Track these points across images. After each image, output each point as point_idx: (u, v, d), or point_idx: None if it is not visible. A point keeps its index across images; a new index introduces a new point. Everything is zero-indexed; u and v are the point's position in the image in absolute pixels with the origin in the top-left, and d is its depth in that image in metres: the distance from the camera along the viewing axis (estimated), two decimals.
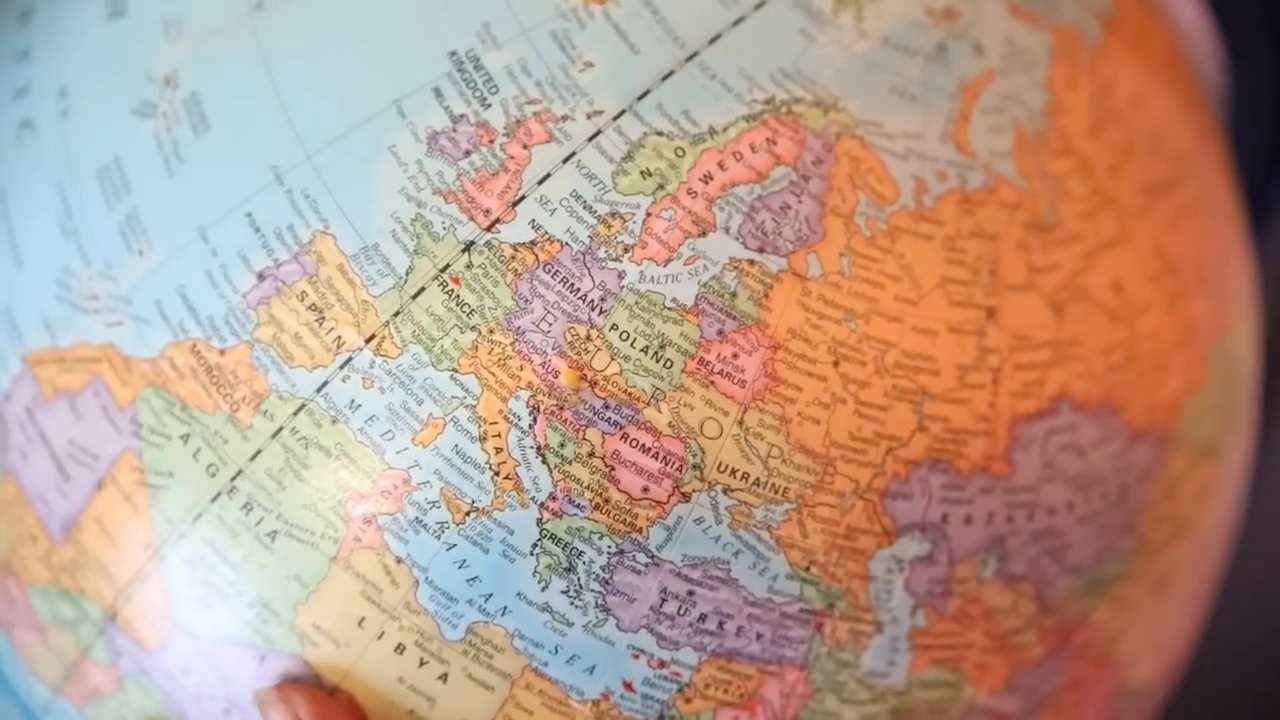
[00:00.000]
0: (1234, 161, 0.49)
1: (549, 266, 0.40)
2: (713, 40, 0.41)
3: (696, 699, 0.41)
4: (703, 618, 0.41)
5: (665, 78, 0.41)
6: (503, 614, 0.41)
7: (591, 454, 0.40)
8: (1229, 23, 0.54)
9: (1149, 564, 0.45)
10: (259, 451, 0.41)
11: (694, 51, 0.41)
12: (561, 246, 0.40)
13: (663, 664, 0.41)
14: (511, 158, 0.41)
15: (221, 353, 0.41)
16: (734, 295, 0.40)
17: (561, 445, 0.40)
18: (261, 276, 0.41)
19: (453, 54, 0.41)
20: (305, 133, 0.41)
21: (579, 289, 0.40)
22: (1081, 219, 0.43)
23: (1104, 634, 0.45)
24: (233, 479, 0.41)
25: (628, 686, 0.41)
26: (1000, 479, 0.42)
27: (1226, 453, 0.47)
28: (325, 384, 0.41)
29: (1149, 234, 0.45)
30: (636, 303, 0.40)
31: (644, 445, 0.40)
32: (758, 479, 0.41)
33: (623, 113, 0.41)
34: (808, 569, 0.41)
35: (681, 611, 0.41)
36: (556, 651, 0.41)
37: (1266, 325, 0.50)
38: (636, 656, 0.41)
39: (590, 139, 0.41)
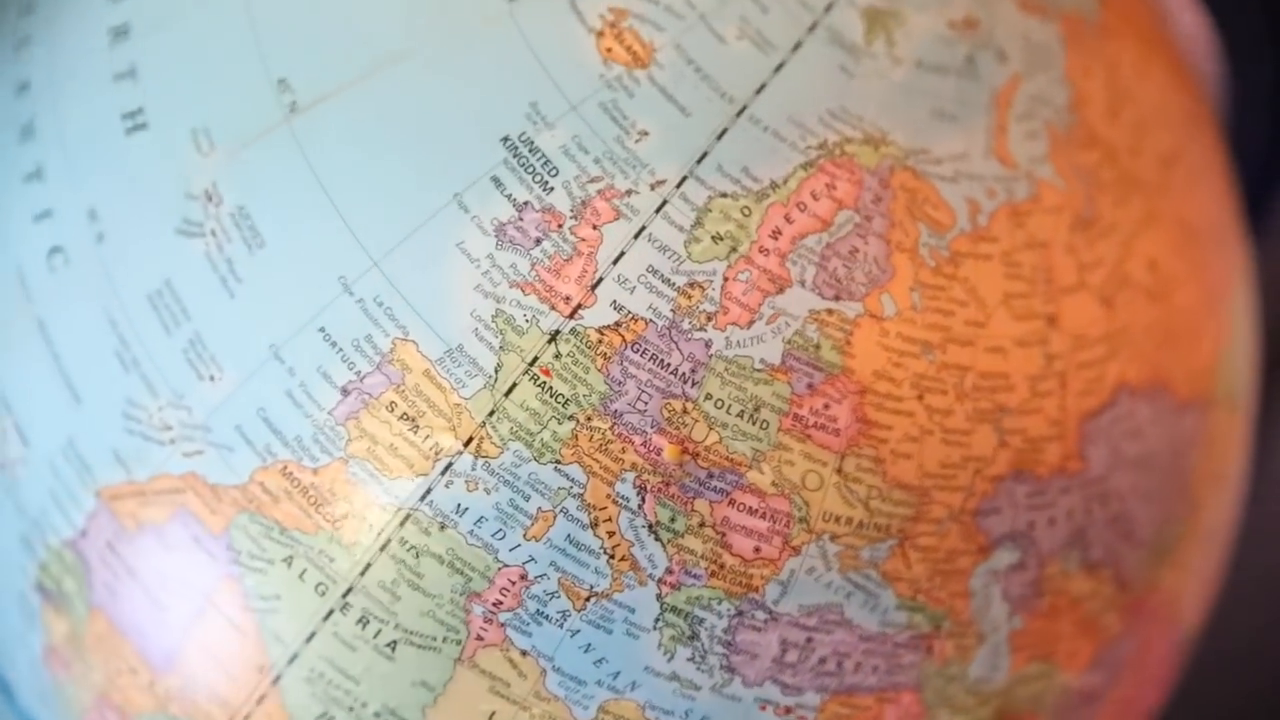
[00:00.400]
0: (1233, 162, 0.50)
1: (636, 345, 0.40)
2: (759, 91, 0.41)
3: None
4: (822, 660, 0.42)
5: (720, 136, 0.41)
6: (632, 689, 0.41)
7: (702, 524, 0.41)
8: (1228, 23, 0.55)
9: (1199, 521, 0.47)
10: (368, 565, 0.41)
11: (743, 105, 0.41)
12: (646, 324, 0.40)
13: (789, 710, 0.42)
14: (583, 240, 0.40)
15: (315, 472, 0.41)
16: (818, 347, 0.41)
17: (672, 520, 0.41)
18: (346, 391, 0.41)
19: (505, 139, 0.41)
20: (368, 238, 0.41)
21: (669, 364, 0.40)
22: (1115, 207, 0.44)
23: (1170, 596, 0.47)
24: (344, 595, 0.41)
25: None
26: (1076, 476, 0.43)
27: (1246, 398, 0.49)
28: (429, 491, 0.41)
29: (1172, 207, 0.46)
30: (726, 369, 0.41)
31: (751, 507, 0.41)
32: (861, 521, 0.41)
33: (685, 179, 0.41)
34: (914, 598, 0.42)
35: (802, 658, 0.42)
36: (687, 716, 0.41)
37: (1266, 326, 0.51)
38: (764, 708, 0.42)
39: (657, 210, 0.41)
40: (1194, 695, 0.52)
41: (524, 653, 0.41)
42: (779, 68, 0.42)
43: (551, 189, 0.41)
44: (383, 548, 0.41)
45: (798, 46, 0.42)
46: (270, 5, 0.42)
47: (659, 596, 0.41)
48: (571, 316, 0.40)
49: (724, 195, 0.41)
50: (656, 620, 0.41)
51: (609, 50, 0.41)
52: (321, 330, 0.41)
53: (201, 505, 0.42)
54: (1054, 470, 0.43)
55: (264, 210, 0.41)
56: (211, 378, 0.41)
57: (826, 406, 0.41)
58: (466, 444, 0.40)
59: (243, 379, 0.41)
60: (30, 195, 0.44)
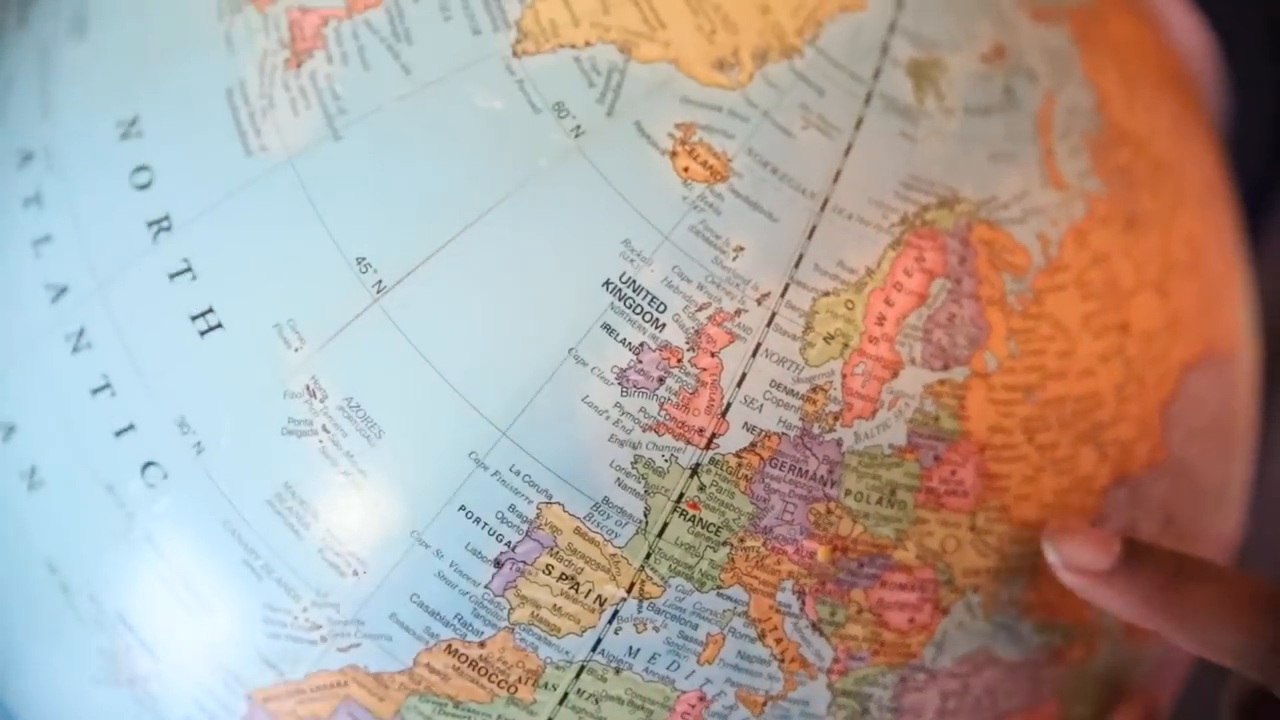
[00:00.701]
0: (1233, 171, 0.51)
1: (774, 461, 0.41)
2: (835, 179, 0.42)
3: None
4: (977, 700, 0.44)
5: (810, 235, 0.41)
6: None
7: (860, 610, 0.42)
8: (1228, 32, 0.55)
9: (1241, 457, 0.50)
10: None
11: (825, 198, 0.41)
12: (779, 438, 0.41)
13: None
14: (704, 369, 0.41)
15: (481, 645, 0.41)
16: (937, 419, 0.42)
17: (833, 614, 0.42)
18: (499, 563, 0.41)
19: (607, 283, 0.40)
20: (489, 409, 0.40)
21: (807, 470, 0.41)
22: (1153, 197, 0.46)
23: (1222, 532, 0.50)
24: None
25: None
26: (1161, 465, 0.46)
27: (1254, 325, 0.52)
28: (599, 641, 0.41)
29: (1193, 174, 0.47)
30: (860, 462, 0.41)
31: (901, 583, 0.42)
32: (996, 568, 0.43)
33: (787, 286, 0.41)
34: (1049, 620, 0.44)
35: (960, 704, 0.44)
36: None
37: (1266, 336, 0.53)
38: None
39: (768, 324, 0.41)
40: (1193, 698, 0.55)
41: None
42: (848, 150, 0.42)
43: (663, 325, 0.40)
44: (561, 701, 0.41)
45: (860, 124, 0.42)
46: (329, 184, 0.41)
47: (829, 685, 0.42)
48: (708, 447, 0.41)
49: (826, 294, 0.41)
50: (829, 706, 0.42)
51: (686, 170, 0.41)
52: (462, 509, 0.40)
53: (367, 695, 0.41)
54: (1145, 465, 0.45)
55: (374, 397, 0.40)
56: (355, 572, 0.41)
57: (953, 473, 0.42)
58: (629, 590, 0.41)
59: (388, 569, 0.41)
60: (104, 409, 0.42)
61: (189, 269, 0.42)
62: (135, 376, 0.42)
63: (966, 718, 0.44)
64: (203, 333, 0.41)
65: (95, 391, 0.42)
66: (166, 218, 0.42)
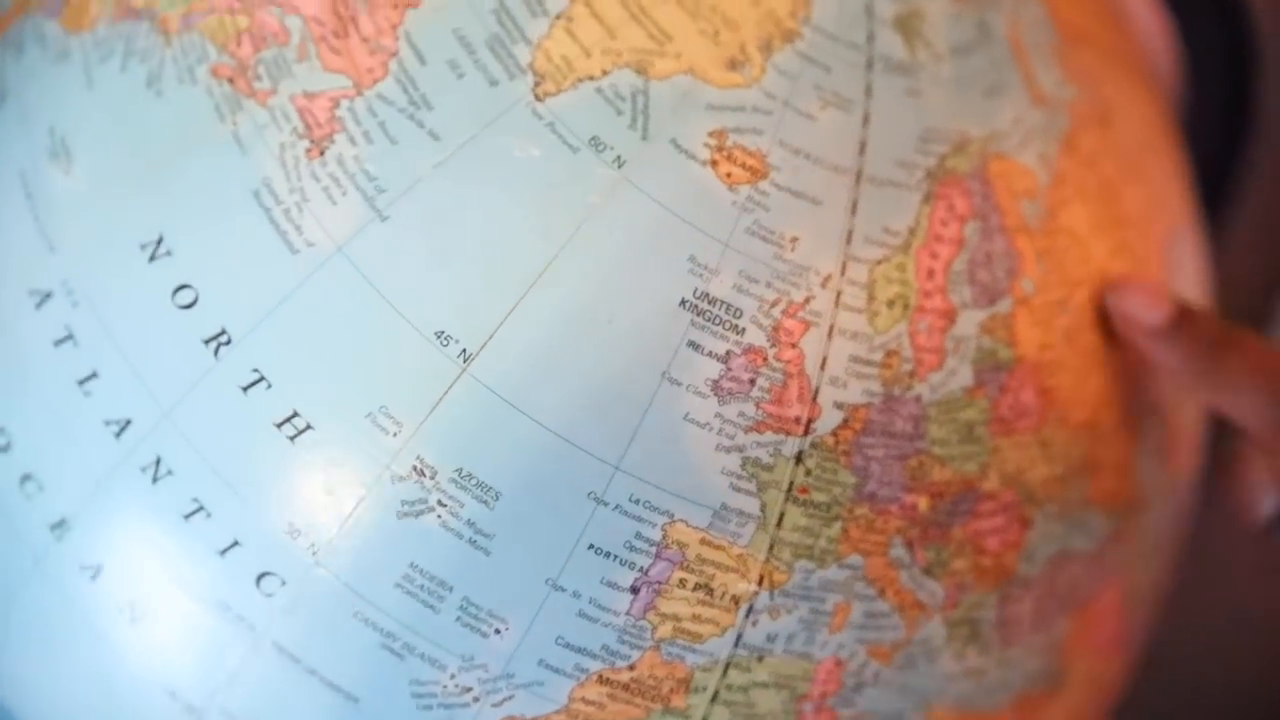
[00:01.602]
0: (1190, 158, 0.53)
1: (866, 430, 0.43)
2: (862, 150, 0.43)
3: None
4: (1063, 596, 0.47)
5: (854, 210, 0.43)
6: (939, 698, 0.45)
7: (961, 546, 0.44)
8: (1184, 20, 0.56)
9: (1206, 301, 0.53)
10: (705, 719, 0.43)
11: (857, 171, 0.43)
12: (867, 408, 0.43)
13: (1049, 646, 0.47)
14: (789, 362, 0.42)
15: (631, 668, 0.42)
16: (994, 352, 0.44)
17: (939, 556, 0.44)
18: (635, 589, 0.42)
19: (683, 302, 0.41)
20: (598, 448, 0.41)
21: (895, 431, 0.43)
22: (1115, 86, 0.48)
23: None
24: None
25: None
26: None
27: None
28: (740, 637, 0.43)
29: (1131, 55, 0.50)
30: (939, 412, 0.43)
31: (990, 511, 0.44)
32: (1064, 474, 0.46)
33: (845, 264, 0.42)
34: (1109, 506, 0.47)
35: (1049, 603, 0.46)
36: (985, 691, 0.46)
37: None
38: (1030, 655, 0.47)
39: (836, 304, 0.42)
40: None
41: (852, 716, 0.44)
42: (866, 120, 0.43)
43: (743, 329, 0.42)
44: (713, 699, 0.43)
45: (869, 91, 0.43)
46: (387, 265, 0.41)
47: (945, 620, 0.44)
48: (806, 433, 0.42)
49: (880, 262, 0.43)
50: (946, 639, 0.45)
51: (729, 175, 0.42)
52: (591, 548, 0.41)
53: None
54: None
55: (484, 462, 0.41)
56: (497, 631, 0.42)
57: (1017, 397, 0.44)
58: (759, 583, 0.42)
59: (529, 620, 0.42)
60: (200, 531, 0.42)
61: (262, 378, 0.41)
62: (229, 493, 0.41)
63: (1056, 613, 0.46)
64: (292, 437, 0.41)
65: (188, 516, 0.42)
66: (223, 332, 0.41)
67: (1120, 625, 0.49)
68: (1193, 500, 0.52)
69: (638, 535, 0.41)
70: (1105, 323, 0.46)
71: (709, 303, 0.41)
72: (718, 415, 0.42)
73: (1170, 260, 0.49)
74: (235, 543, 0.42)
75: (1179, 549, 0.51)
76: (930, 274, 0.43)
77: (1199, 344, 0.45)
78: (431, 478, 0.41)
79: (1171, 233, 0.49)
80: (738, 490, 0.42)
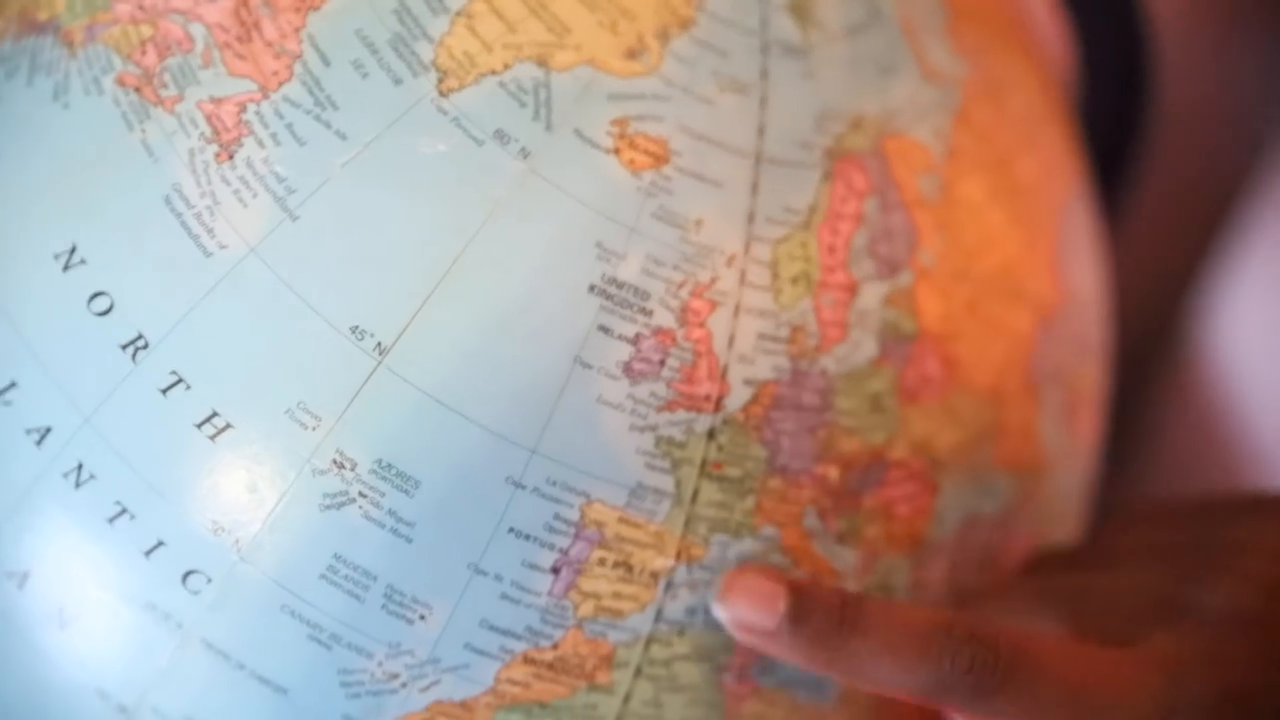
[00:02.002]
0: (1085, 139, 0.54)
1: (775, 405, 0.44)
2: (760, 133, 0.44)
3: None
4: (976, 557, 0.48)
5: (755, 191, 0.44)
6: None
7: (872, 513, 0.45)
8: (1080, 17, 0.57)
9: (1106, 270, 0.54)
10: (629, 695, 0.44)
11: (757, 152, 0.44)
12: (775, 383, 0.44)
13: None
14: (697, 342, 0.43)
15: (555, 647, 0.43)
16: (898, 324, 0.45)
17: (852, 524, 0.45)
18: (556, 569, 0.43)
19: (592, 288, 0.42)
20: (513, 432, 0.42)
21: (804, 404, 0.44)
22: (1004, 59, 0.49)
23: (1107, 343, 0.54)
24: None
25: None
26: (1064, 299, 0.50)
27: None
28: (660, 612, 0.44)
29: (1024, 41, 0.51)
30: (846, 384, 0.45)
31: (899, 478, 0.46)
32: (969, 438, 0.47)
33: (748, 244, 0.44)
34: (1016, 467, 0.48)
35: (962, 564, 0.48)
36: None
37: (1123, 313, 0.57)
38: None
39: (742, 283, 0.43)
40: None
41: (773, 688, 0.45)
42: (763, 103, 0.44)
43: (651, 311, 0.43)
44: (636, 674, 0.44)
45: (765, 75, 0.44)
46: (300, 264, 0.42)
47: (861, 586, 0.46)
48: (717, 410, 0.43)
49: (783, 240, 0.44)
50: None
51: (632, 162, 0.43)
52: (511, 531, 0.42)
53: None
54: (1054, 305, 0.49)
55: (403, 452, 0.42)
56: (422, 617, 0.42)
57: (922, 368, 0.46)
58: (677, 558, 0.43)
59: (453, 604, 0.43)
60: (126, 534, 0.42)
61: (180, 380, 0.42)
62: (152, 495, 0.42)
63: (969, 575, 0.48)
64: (212, 436, 0.42)
65: (112, 520, 0.42)
66: (140, 336, 0.42)
67: None
68: (1097, 462, 0.53)
69: (556, 517, 0.42)
70: (1005, 292, 0.47)
71: (617, 287, 0.42)
72: (630, 396, 0.43)
73: (1065, 229, 0.50)
74: (160, 543, 0.42)
75: (1085, 510, 0.52)
76: (832, 250, 0.44)
77: (820, 632, 0.44)
78: (352, 470, 0.42)
79: (1066, 203, 0.50)
80: (652, 469, 0.43)
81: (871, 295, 0.45)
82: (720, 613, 0.44)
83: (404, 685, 0.43)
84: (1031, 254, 0.48)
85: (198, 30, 0.43)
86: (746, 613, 0.43)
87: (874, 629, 0.44)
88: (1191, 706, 0.44)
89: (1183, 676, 0.45)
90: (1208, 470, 0.75)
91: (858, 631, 0.44)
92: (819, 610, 0.43)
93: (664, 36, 0.43)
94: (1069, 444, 0.50)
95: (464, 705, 0.43)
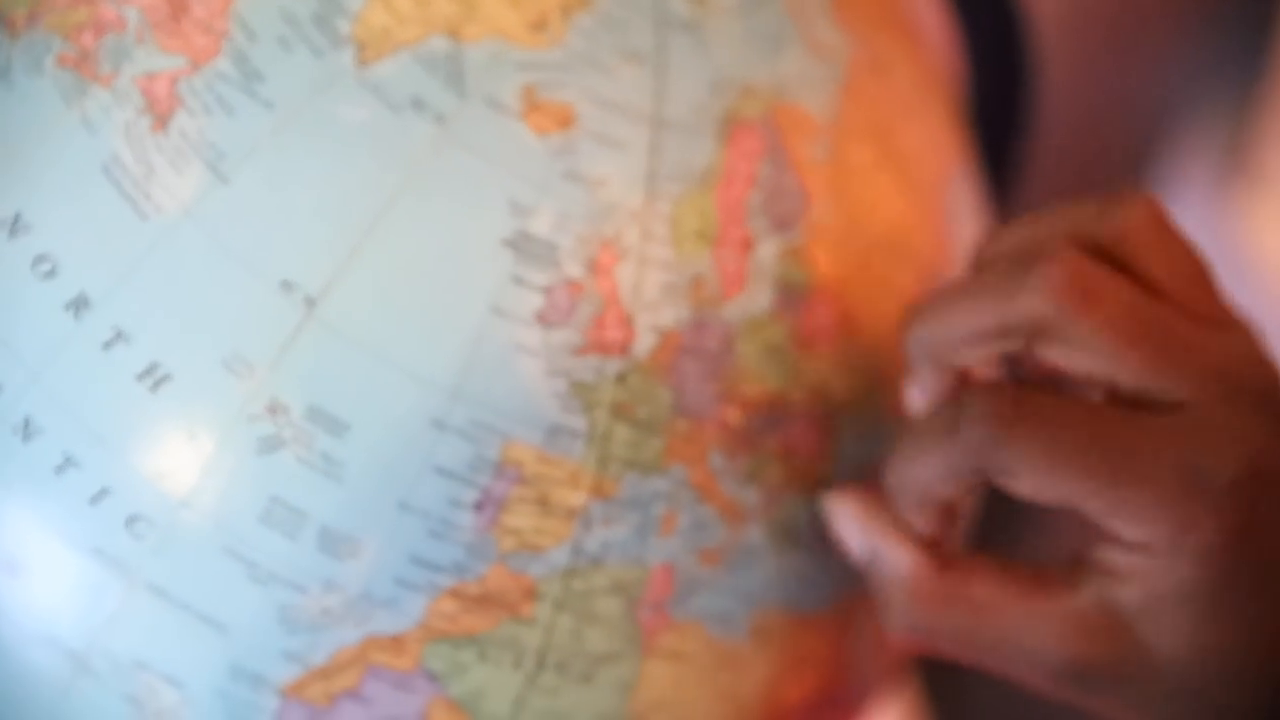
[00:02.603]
0: (972, 124, 0.57)
1: (680, 350, 0.47)
2: (659, 100, 0.47)
3: None
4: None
5: (654, 152, 0.47)
6: (768, 600, 0.50)
7: (774, 454, 0.49)
8: (965, 17, 0.60)
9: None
10: (551, 626, 0.47)
11: (655, 117, 0.47)
12: (679, 331, 0.47)
13: None
14: (605, 291, 0.46)
15: (480, 581, 0.46)
16: (792, 277, 0.49)
17: (754, 464, 0.48)
18: (479, 507, 0.46)
19: (506, 242, 0.46)
20: (437, 376, 0.45)
21: (706, 350, 0.47)
22: (888, 36, 0.53)
23: None
24: (539, 659, 0.47)
25: None
26: (945, 257, 0.53)
27: None
28: (577, 546, 0.47)
29: (905, 23, 0.55)
30: (745, 332, 0.48)
31: (800, 422, 0.49)
32: (865, 385, 0.50)
33: (650, 201, 0.47)
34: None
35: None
36: (813, 584, 0.50)
37: None
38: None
39: (645, 238, 0.47)
40: None
41: (686, 621, 0.48)
42: (660, 72, 0.48)
43: (561, 264, 0.46)
44: (557, 607, 0.47)
45: (661, 47, 0.48)
46: (232, 225, 0.45)
47: (765, 524, 0.49)
48: (624, 355, 0.46)
49: (681, 198, 0.47)
50: (768, 540, 0.49)
51: (539, 125, 0.46)
52: (436, 469, 0.45)
53: (388, 655, 0.46)
54: (941, 266, 0.53)
55: (333, 398, 0.45)
56: (353, 553, 0.45)
57: (816, 318, 0.49)
58: (592, 494, 0.47)
59: (384, 541, 0.45)
60: (73, 483, 0.45)
61: (120, 336, 0.45)
62: (97, 445, 0.45)
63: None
64: (152, 388, 0.45)
65: (59, 470, 0.45)
66: (81, 295, 0.45)
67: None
68: None
69: (478, 456, 0.45)
70: (893, 251, 0.51)
71: (529, 241, 0.46)
72: (544, 342, 0.46)
73: (950, 199, 0.54)
74: (105, 490, 0.45)
75: None
76: (728, 208, 0.48)
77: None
78: (285, 414, 0.45)
79: (950, 175, 0.54)
80: (567, 410, 0.46)
81: (767, 250, 0.48)
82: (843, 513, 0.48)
83: (338, 620, 0.46)
84: (918, 217, 0.52)
85: (131, 11, 0.46)
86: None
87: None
88: (1215, 471, 0.44)
89: (1206, 444, 0.44)
90: None
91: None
92: None
93: (566, 11, 0.47)
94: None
95: (395, 639, 0.46)
